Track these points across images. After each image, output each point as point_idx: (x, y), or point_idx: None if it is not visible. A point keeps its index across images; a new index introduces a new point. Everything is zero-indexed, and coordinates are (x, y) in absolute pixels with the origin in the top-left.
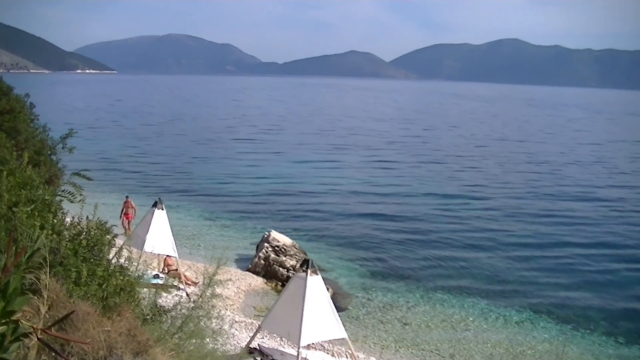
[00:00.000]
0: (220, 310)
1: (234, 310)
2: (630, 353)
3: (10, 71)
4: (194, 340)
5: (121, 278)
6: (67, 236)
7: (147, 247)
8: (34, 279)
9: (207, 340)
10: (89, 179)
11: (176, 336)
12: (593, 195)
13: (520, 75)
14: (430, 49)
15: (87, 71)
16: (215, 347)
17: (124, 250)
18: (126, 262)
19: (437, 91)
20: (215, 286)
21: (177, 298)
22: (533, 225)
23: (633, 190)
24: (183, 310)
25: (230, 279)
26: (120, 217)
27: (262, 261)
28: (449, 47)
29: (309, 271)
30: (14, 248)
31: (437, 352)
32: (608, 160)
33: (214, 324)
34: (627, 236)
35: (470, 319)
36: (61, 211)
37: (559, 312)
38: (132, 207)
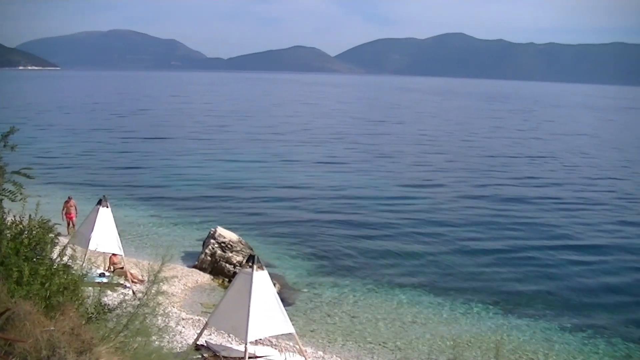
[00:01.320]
0: (166, 308)
1: (180, 307)
2: (574, 339)
3: None
4: (140, 338)
5: (65, 277)
6: (8, 235)
7: (92, 245)
8: None
9: (153, 338)
10: (30, 177)
11: (122, 334)
12: (540, 189)
13: (466, 69)
14: (376, 43)
15: (30, 68)
16: (162, 344)
17: (68, 248)
18: (70, 260)
19: (384, 85)
20: (160, 283)
21: (122, 296)
22: (480, 219)
23: (577, 183)
24: (128, 308)
25: (175, 276)
26: (62, 217)
27: (209, 257)
28: (395, 42)
29: (254, 267)
30: None
31: (384, 344)
32: (558, 154)
33: (160, 322)
34: (574, 229)
35: (418, 311)
36: (1, 210)
37: (505, 303)
38: (74, 207)
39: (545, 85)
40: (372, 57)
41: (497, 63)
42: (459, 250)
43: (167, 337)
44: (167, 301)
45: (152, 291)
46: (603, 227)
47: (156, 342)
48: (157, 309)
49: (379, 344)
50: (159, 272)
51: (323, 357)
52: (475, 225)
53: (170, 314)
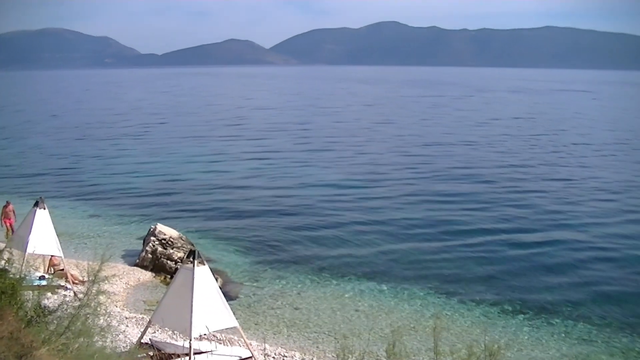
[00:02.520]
0: (107, 307)
1: (123, 306)
2: (515, 321)
3: None
4: (82, 339)
5: (1, 281)
6: None
7: (30, 248)
8: None
9: (96, 338)
10: None
11: (63, 336)
12: (481, 175)
13: (400, 57)
14: (310, 34)
15: None
16: (104, 344)
17: (5, 252)
18: (7, 264)
19: (320, 76)
20: (101, 283)
21: (63, 298)
22: (419, 207)
23: (517, 169)
24: (69, 310)
25: (115, 275)
26: (1, 223)
27: (150, 255)
28: (329, 32)
29: (195, 262)
30: None
31: (329, 334)
32: (494, 139)
33: (102, 322)
34: (512, 214)
35: (360, 300)
36: None
37: (446, 288)
38: (12, 212)
39: (480, 71)
40: (306, 47)
41: (431, 50)
42: (399, 238)
43: (110, 336)
44: (109, 301)
45: (93, 291)
46: (540, 211)
47: (99, 343)
48: (98, 309)
49: (323, 334)
50: (98, 271)
51: (268, 349)
52: (415, 214)
53: (113, 313)
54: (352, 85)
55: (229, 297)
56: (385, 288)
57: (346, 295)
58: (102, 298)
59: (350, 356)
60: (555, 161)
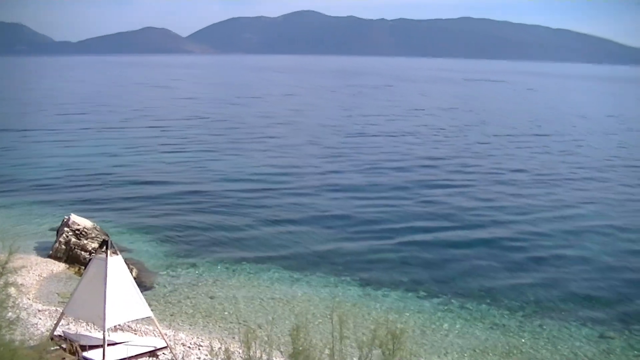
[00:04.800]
0: (16, 299)
1: (35, 298)
2: (430, 305)
3: None
4: None
5: None
6: None
7: None
8: None
9: (3, 332)
10: None
11: None
12: (403, 165)
13: (319, 46)
14: (227, 23)
15: None
16: (13, 337)
17: None
18: None
19: (238, 65)
20: (9, 275)
21: None
22: (336, 195)
23: (437, 160)
24: None
25: (25, 266)
26: None
27: (63, 246)
28: (246, 20)
29: (108, 252)
30: None
31: (244, 322)
32: (415, 130)
33: (10, 314)
34: (434, 205)
35: (275, 288)
36: None
37: (363, 275)
38: None
39: (398, 61)
40: (224, 36)
41: (349, 39)
42: (314, 228)
43: (19, 330)
44: (19, 293)
45: (0, 283)
46: (458, 200)
47: (7, 336)
48: (6, 302)
49: (239, 322)
50: (6, 263)
51: (184, 339)
52: (331, 204)
53: (24, 306)
54: (271, 74)
55: (144, 287)
56: (300, 276)
57: (261, 284)
58: (12, 290)
59: (254, 343)
60: (480, 151)
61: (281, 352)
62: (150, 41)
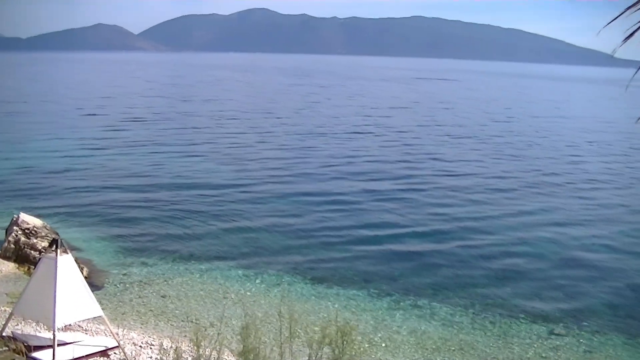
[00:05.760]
0: None
1: None
2: (381, 303)
3: None
4: None
5: None
6: None
7: None
8: None
9: None
10: None
11: None
12: (354, 164)
13: (271, 44)
14: (180, 20)
15: None
16: None
17: None
18: None
19: (190, 62)
20: None
21: None
22: (289, 194)
23: (384, 162)
24: None
25: None
26: None
27: (12, 245)
28: (198, 18)
29: (58, 251)
30: None
31: (196, 321)
32: (366, 128)
33: None
34: (386, 204)
35: (229, 286)
36: None
37: (315, 274)
38: None
39: (350, 59)
40: (176, 34)
41: (301, 37)
42: (266, 227)
43: None
44: None
45: None
46: (407, 198)
47: None
48: None
49: (192, 321)
50: None
51: (135, 338)
52: (283, 202)
53: None
54: (224, 72)
55: (94, 286)
56: (252, 275)
57: (214, 282)
58: None
59: (203, 341)
60: (432, 151)
61: (231, 350)
62: (101, 38)
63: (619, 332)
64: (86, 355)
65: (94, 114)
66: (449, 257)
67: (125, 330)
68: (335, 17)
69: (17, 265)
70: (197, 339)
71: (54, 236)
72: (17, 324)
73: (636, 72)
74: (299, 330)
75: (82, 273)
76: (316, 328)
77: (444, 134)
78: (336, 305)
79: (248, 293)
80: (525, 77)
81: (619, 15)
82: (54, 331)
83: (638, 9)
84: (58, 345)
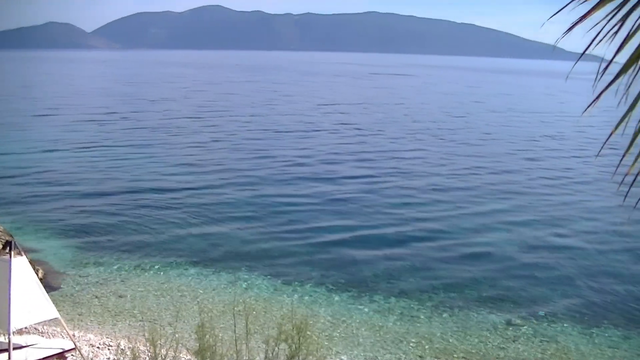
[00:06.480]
0: None
1: None
2: (339, 299)
3: None
4: None
5: None
6: None
7: None
8: None
9: None
10: None
11: None
12: (311, 162)
13: (225, 41)
14: (133, 18)
15: None
16: None
17: None
18: None
19: (144, 60)
20: None
21: None
22: (244, 192)
23: (336, 156)
24: None
25: None
26: None
27: None
28: (152, 15)
29: (12, 253)
30: None
31: (153, 320)
32: (322, 125)
33: None
34: (339, 199)
35: (185, 284)
36: None
37: (272, 271)
38: None
39: (304, 55)
40: (130, 31)
41: (256, 34)
42: (223, 224)
43: None
44: None
45: None
46: (363, 196)
47: None
48: None
49: (150, 320)
50: None
51: (92, 340)
52: (240, 200)
53: None
54: (179, 70)
55: (50, 287)
56: (208, 273)
57: (171, 280)
58: None
59: (160, 341)
60: (392, 149)
61: (188, 349)
62: (53, 36)
63: (575, 322)
64: (43, 358)
65: (46, 115)
66: (406, 254)
67: (82, 331)
68: (289, 14)
69: None
70: (153, 338)
71: (7, 238)
72: None
73: (574, 64)
74: (256, 327)
75: (38, 275)
76: (273, 324)
77: (399, 130)
78: (293, 302)
79: (204, 291)
80: (480, 71)
81: (563, 8)
82: (9, 335)
83: (581, 2)
84: (14, 348)
